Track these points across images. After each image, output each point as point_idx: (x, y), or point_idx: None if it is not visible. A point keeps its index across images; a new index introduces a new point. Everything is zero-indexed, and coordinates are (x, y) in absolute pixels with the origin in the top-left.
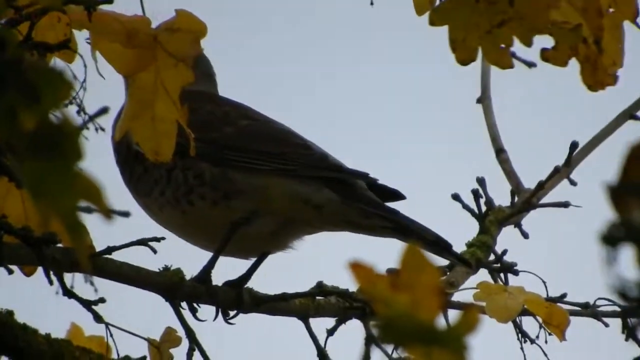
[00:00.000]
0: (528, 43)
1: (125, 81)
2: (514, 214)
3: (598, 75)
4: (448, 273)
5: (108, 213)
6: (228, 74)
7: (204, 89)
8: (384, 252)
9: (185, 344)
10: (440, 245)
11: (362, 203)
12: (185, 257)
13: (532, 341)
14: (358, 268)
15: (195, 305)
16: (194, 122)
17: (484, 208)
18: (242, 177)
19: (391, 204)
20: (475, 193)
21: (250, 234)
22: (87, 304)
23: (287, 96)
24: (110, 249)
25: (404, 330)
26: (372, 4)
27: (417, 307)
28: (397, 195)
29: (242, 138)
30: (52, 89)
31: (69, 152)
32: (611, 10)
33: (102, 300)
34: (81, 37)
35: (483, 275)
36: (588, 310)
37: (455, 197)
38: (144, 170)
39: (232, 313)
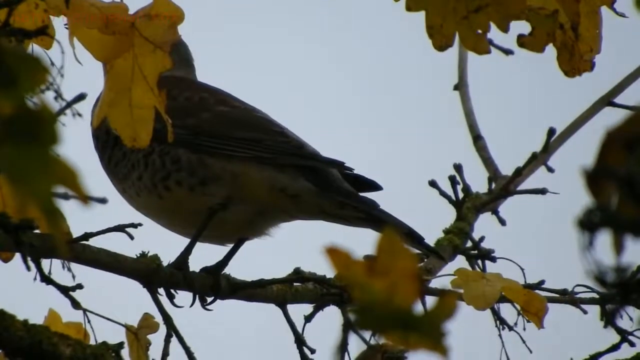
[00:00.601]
0: (505, 29)
1: (104, 67)
2: (491, 201)
3: (574, 61)
4: (425, 260)
5: (85, 198)
6: (211, 60)
7: (181, 75)
8: (361, 239)
9: (162, 330)
10: (413, 237)
11: (337, 193)
12: (162, 243)
13: (511, 328)
14: (334, 253)
15: (172, 291)
16: (171, 108)
17: (461, 195)
18: (219, 164)
19: (368, 194)
20: (452, 180)
21: (227, 220)
22: (65, 290)
23: (259, 81)
24: (87, 235)
25: (381, 316)
26: None
27: (394, 292)
28: (374, 186)
29: (219, 124)
30: (28, 74)
31: (46, 136)
32: None
33: (79, 286)
34: (59, 23)
35: (460, 262)
36: (566, 297)
37: (432, 183)
38: (123, 155)
39: (209, 299)
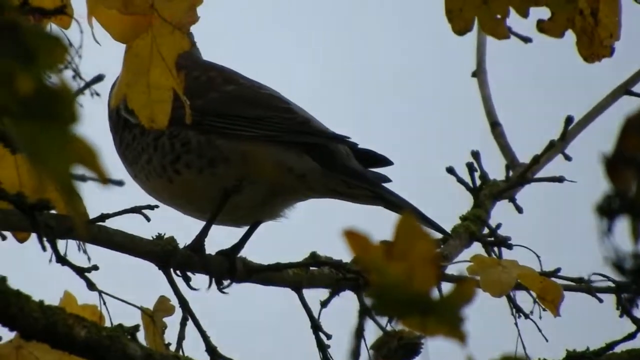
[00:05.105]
0: (524, 14)
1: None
2: (509, 188)
3: (594, 47)
4: (442, 246)
5: (103, 177)
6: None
7: (189, 53)
8: (379, 222)
9: (178, 312)
10: (418, 215)
11: (341, 172)
12: (178, 225)
13: (527, 316)
14: (353, 236)
15: (188, 274)
16: None
17: (478, 182)
18: (227, 144)
19: (380, 169)
20: (469, 166)
21: (241, 202)
22: (81, 272)
23: (282, 63)
24: (103, 217)
25: (398, 300)
26: None
27: (412, 276)
28: (385, 161)
29: (226, 104)
30: (47, 52)
31: (65, 115)
32: None
33: (95, 267)
34: (77, 3)
35: (477, 248)
36: (582, 285)
37: (450, 170)
38: (132, 138)
39: (225, 282)
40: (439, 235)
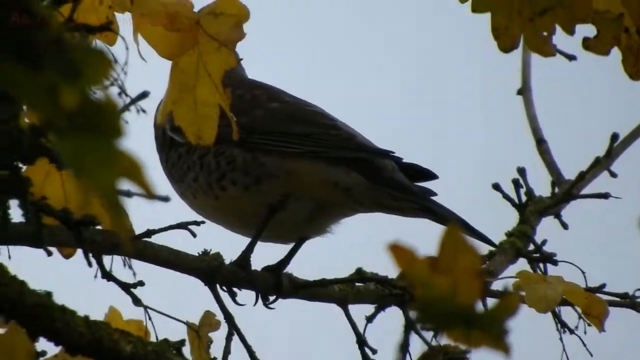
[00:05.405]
0: (570, 31)
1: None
2: (554, 205)
3: (639, 65)
4: (487, 262)
5: (149, 192)
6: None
7: (233, 72)
8: (424, 236)
9: (224, 328)
10: (464, 226)
11: (389, 186)
12: (224, 241)
13: (572, 331)
14: (398, 250)
15: (234, 289)
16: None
17: (524, 198)
18: (273, 161)
19: (424, 184)
20: (515, 183)
21: (287, 218)
22: (126, 287)
23: (334, 83)
24: (149, 232)
25: (443, 313)
26: None
27: (457, 289)
28: (431, 175)
29: (271, 121)
30: (92, 67)
31: (110, 129)
32: None
33: (140, 283)
34: (123, 19)
35: (522, 264)
36: (627, 300)
37: (496, 186)
38: (178, 157)
39: (271, 298)
40: (485, 250)
